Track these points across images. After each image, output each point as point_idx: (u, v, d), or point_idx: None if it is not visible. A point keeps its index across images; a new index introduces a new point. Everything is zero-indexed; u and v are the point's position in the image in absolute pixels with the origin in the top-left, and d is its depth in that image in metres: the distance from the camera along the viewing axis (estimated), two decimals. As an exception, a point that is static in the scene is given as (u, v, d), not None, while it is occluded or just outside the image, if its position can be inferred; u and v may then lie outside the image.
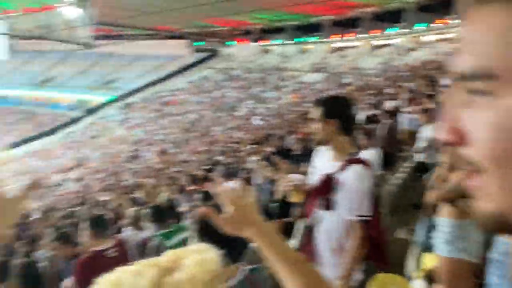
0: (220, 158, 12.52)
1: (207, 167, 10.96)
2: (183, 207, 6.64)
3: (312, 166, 2.63)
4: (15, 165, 32.79)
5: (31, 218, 12.50)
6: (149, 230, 5.09)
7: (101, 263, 3.01)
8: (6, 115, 44.42)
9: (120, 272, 0.80)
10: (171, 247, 3.07)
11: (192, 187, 8.17)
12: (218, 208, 1.73)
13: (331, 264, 2.41)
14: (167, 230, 4.01)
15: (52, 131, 39.32)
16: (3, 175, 30.70)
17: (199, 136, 24.49)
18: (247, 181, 6.67)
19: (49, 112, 44.22)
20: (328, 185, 2.39)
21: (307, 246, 2.50)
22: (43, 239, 7.10)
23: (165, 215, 4.26)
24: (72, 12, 39.30)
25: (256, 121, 23.23)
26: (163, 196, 8.26)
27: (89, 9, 38.01)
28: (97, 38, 43.66)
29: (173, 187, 9.17)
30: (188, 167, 13.66)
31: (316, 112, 2.45)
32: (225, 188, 1.12)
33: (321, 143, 2.49)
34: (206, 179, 8.68)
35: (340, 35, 37.04)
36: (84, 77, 48.48)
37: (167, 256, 0.85)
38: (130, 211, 6.28)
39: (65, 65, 51.38)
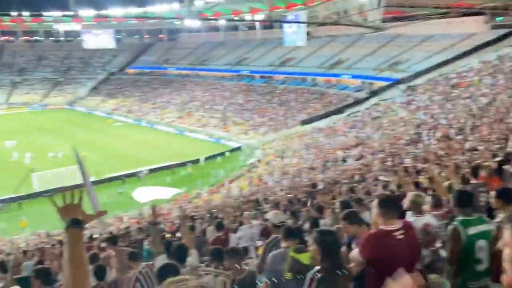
0: (517, 149, 10.87)
1: (499, 159, 9.71)
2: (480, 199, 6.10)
3: None
4: (305, 139, 37.06)
5: (317, 188, 13.97)
6: (428, 216, 4.92)
7: (389, 242, 3.07)
8: (302, 95, 50.41)
9: None
10: (468, 237, 2.85)
11: (479, 180, 7.40)
12: None
13: None
14: (467, 218, 3.77)
15: (338, 111, 42.35)
16: (296, 147, 35.22)
17: (490, 122, 21.83)
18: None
19: (337, 93, 47.77)
20: None
21: None
22: (328, 209, 7.82)
23: (467, 202, 3.97)
24: (365, -4, 40.71)
25: None
26: (446, 184, 7.80)
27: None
28: (387, 20, 44.09)
29: (457, 176, 8.53)
30: (476, 157, 12.42)
31: None
32: None
33: None
34: (499, 172, 7.72)
35: None
36: (371, 60, 49.94)
37: None
38: (411, 195, 6.20)
39: (354, 48, 54.08)
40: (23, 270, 7.31)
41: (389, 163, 17.44)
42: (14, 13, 57.46)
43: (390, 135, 27.96)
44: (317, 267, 3.04)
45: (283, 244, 4.03)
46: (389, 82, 42.60)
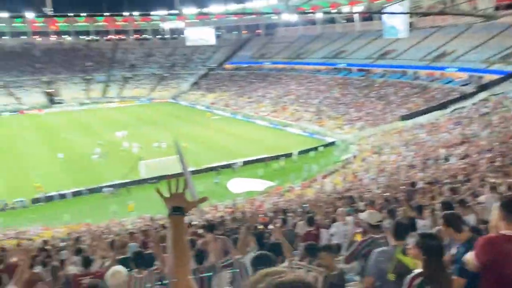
0: None
1: None
2: None
3: None
4: (405, 135, 35.34)
5: (416, 187, 13.29)
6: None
7: (507, 248, 2.81)
8: (402, 89, 48.13)
9: None
10: None
11: None
12: None
13: None
14: None
15: (441, 106, 39.75)
16: (395, 143, 33.75)
17: None
18: None
19: (440, 87, 44.84)
20: None
21: None
22: (427, 210, 7.40)
23: None
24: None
25: None
26: None
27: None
28: (500, 8, 40.26)
29: None
30: None
31: None
32: None
33: None
34: None
35: None
36: (480, 51, 46.05)
37: None
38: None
39: (461, 39, 50.27)
40: (128, 251, 7.96)
41: (498, 163, 15.98)
42: (125, 13, 62.45)
43: (501, 133, 25.59)
44: (417, 270, 2.90)
45: (392, 242, 3.90)
46: (500, 76, 38.98)
